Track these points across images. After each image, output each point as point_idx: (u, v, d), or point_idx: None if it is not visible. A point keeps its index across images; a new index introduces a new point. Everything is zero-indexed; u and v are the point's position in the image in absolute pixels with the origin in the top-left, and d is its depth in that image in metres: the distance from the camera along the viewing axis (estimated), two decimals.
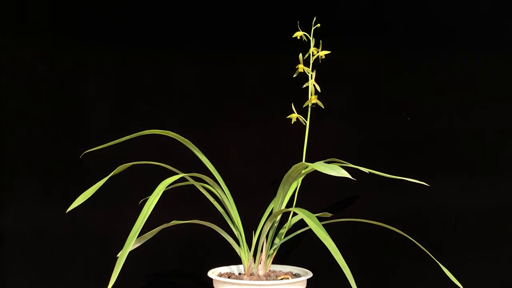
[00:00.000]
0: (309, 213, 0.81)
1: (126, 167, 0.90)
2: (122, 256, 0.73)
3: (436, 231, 1.21)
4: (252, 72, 1.25)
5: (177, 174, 0.84)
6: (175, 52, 1.26)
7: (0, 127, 1.26)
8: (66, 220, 1.20)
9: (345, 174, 0.72)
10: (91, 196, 0.89)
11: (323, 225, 0.78)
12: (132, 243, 0.74)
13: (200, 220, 0.93)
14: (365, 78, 1.23)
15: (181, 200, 1.19)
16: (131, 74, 1.26)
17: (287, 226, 1.01)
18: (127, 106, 1.27)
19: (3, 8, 1.25)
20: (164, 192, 0.80)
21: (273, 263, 1.00)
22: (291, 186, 1.00)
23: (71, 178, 1.25)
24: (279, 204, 0.91)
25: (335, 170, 0.73)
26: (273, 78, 1.24)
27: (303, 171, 0.89)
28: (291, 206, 0.97)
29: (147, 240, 0.94)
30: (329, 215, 1.09)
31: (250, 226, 0.97)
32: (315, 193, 1.20)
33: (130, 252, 0.95)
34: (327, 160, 1.01)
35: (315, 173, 0.86)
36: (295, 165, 0.82)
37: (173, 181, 0.81)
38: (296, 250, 1.24)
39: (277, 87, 1.24)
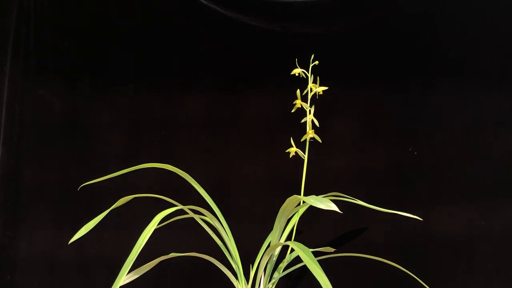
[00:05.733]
0: (304, 246, 0.81)
1: (128, 199, 0.92)
2: (115, 286, 0.74)
3: (447, 262, 1.21)
4: (259, 104, 1.29)
5: (176, 206, 0.86)
6: (185, 89, 1.30)
7: (18, 161, 1.31)
8: (77, 249, 1.23)
9: (333, 207, 0.73)
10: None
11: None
12: (125, 272, 0.75)
13: (199, 252, 0.94)
14: (368, 110, 1.25)
15: (184, 232, 1.21)
16: (142, 109, 1.31)
17: (286, 260, 1.01)
18: (137, 140, 1.30)
19: (23, 52, 1.32)
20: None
21: None
22: (292, 219, 1.01)
23: (83, 208, 1.28)
24: (276, 237, 0.92)
25: (324, 203, 0.74)
26: (278, 111, 1.26)
27: (301, 204, 0.89)
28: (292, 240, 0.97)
29: (146, 272, 0.96)
30: (332, 249, 1.09)
31: (252, 259, 0.97)
32: (321, 227, 1.20)
33: (128, 284, 0.97)
34: (328, 194, 1.01)
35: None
36: (289, 198, 0.83)
37: (169, 213, 0.83)
38: (302, 284, 1.23)
39: (281, 120, 1.25)
